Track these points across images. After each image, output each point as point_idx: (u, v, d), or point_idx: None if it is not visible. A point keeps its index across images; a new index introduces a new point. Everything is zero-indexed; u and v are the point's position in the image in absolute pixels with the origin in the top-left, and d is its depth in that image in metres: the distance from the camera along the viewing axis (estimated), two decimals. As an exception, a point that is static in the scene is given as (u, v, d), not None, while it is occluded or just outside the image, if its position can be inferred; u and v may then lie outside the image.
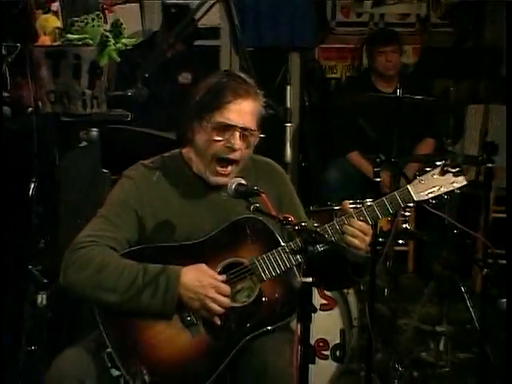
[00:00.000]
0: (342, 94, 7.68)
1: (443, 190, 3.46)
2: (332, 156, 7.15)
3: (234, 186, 3.24)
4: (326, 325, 4.66)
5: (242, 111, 3.40)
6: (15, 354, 4.17)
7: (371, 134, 4.87)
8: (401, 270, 6.55)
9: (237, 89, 3.40)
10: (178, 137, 3.59)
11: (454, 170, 3.46)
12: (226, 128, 3.38)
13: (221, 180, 3.42)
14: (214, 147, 3.39)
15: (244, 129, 3.39)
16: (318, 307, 4.57)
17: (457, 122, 7.49)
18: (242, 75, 3.60)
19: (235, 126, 3.38)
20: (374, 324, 4.68)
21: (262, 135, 3.49)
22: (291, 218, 3.05)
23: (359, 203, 3.64)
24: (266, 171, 3.64)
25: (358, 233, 3.34)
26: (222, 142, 3.38)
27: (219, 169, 3.41)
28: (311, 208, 4.84)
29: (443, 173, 3.46)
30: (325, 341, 4.67)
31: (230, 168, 3.42)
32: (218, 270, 3.35)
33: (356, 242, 3.33)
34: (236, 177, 3.32)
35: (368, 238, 3.38)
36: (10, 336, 4.43)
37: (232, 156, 3.40)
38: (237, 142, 3.38)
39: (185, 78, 6.50)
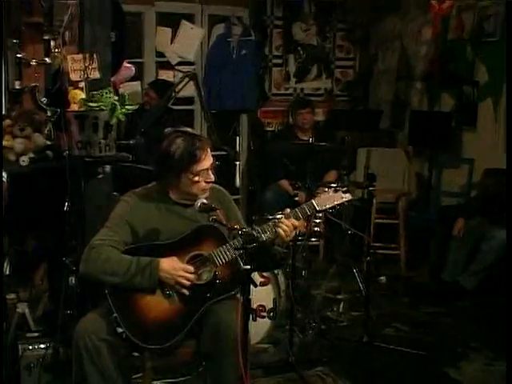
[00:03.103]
0: (275, 141, 7.67)
1: (336, 202, 3.53)
2: (269, 182, 7.14)
3: (199, 204, 3.29)
4: (264, 295, 4.65)
5: (209, 157, 3.45)
6: (57, 316, 4.13)
7: (291, 168, 4.90)
8: (314, 257, 6.55)
9: (203, 147, 3.43)
10: (162, 185, 3.57)
11: (343, 189, 3.54)
12: (203, 171, 3.42)
13: (206, 195, 3.46)
14: (199, 186, 3.44)
15: (211, 166, 3.44)
16: (258, 283, 4.56)
17: (351, 160, 7.53)
18: (196, 132, 3.66)
19: (209, 168, 3.43)
20: (295, 294, 4.71)
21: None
22: (236, 226, 3.11)
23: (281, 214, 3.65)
24: (216, 193, 3.63)
25: (290, 224, 3.39)
26: (202, 181, 3.43)
27: (205, 191, 3.46)
28: (253, 218, 4.83)
29: (336, 191, 3.52)
30: (263, 306, 4.66)
31: (208, 187, 3.48)
32: (187, 258, 3.37)
33: (283, 234, 3.37)
34: (199, 198, 3.34)
35: (293, 233, 3.44)
36: (54, 304, 4.41)
37: (209, 186, 3.47)
38: (212, 177, 3.47)
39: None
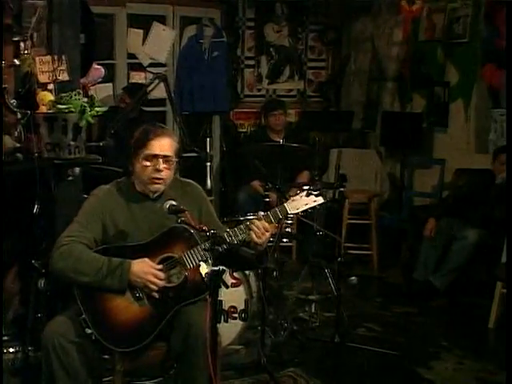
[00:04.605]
0: (247, 143, 7.67)
1: (308, 206, 3.51)
2: (241, 184, 7.15)
3: (168, 206, 3.26)
4: (235, 296, 4.62)
5: (162, 145, 3.44)
6: (26, 320, 4.14)
7: (261, 170, 4.89)
8: (287, 258, 6.56)
9: (155, 130, 3.47)
10: (124, 170, 3.62)
11: (315, 193, 3.52)
12: (153, 157, 3.42)
13: (157, 186, 3.47)
14: (147, 171, 3.43)
15: (164, 156, 3.43)
16: (229, 285, 4.57)
17: (323, 160, 7.55)
18: (160, 124, 3.68)
19: (158, 155, 3.42)
20: (267, 295, 4.69)
21: (177, 160, 3.52)
22: (205, 228, 3.09)
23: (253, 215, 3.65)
24: (189, 189, 3.65)
25: (261, 226, 3.38)
26: (151, 167, 3.42)
27: (154, 180, 3.44)
28: (224, 219, 4.82)
29: (308, 195, 3.51)
30: (234, 307, 4.63)
31: (160, 180, 3.45)
32: (157, 261, 3.35)
33: (254, 237, 3.37)
34: (169, 199, 3.31)
35: (268, 235, 3.42)
36: (24, 308, 4.38)
37: (159, 175, 3.44)
38: (161, 165, 3.42)
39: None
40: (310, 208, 3.55)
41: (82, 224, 3.41)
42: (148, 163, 3.43)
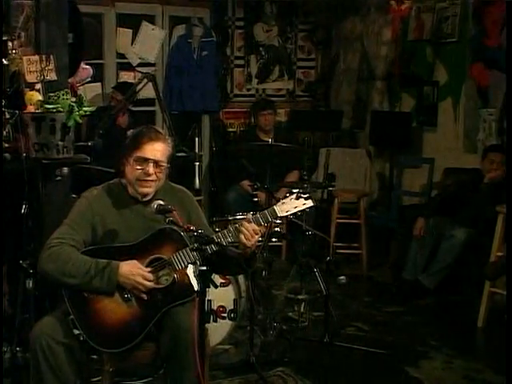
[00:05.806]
0: (237, 142, 7.68)
1: (297, 209, 3.50)
2: (230, 183, 7.15)
3: (155, 206, 3.25)
4: (224, 296, 4.62)
5: (154, 149, 3.42)
6: (14, 321, 4.12)
7: (249, 169, 4.89)
8: (276, 257, 6.54)
9: (150, 134, 3.45)
10: (115, 170, 3.59)
11: (304, 196, 3.51)
12: (144, 160, 3.41)
13: (145, 190, 3.46)
14: (136, 173, 3.42)
15: (155, 161, 3.42)
16: (218, 284, 4.55)
17: (312, 160, 7.55)
18: (156, 127, 3.65)
19: (149, 159, 3.41)
20: (256, 294, 4.70)
21: (169, 165, 3.50)
22: (192, 228, 3.08)
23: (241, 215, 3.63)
24: (180, 195, 3.62)
25: (250, 229, 3.33)
26: (140, 170, 3.41)
27: (142, 183, 3.43)
28: (213, 218, 4.82)
29: (297, 198, 3.50)
30: (223, 307, 4.64)
31: (149, 183, 3.44)
32: (147, 262, 3.34)
33: (243, 239, 3.32)
34: (157, 199, 3.31)
35: (257, 237, 3.38)
36: (11, 308, 4.37)
37: (147, 178, 3.42)
38: (150, 169, 3.41)
39: (131, 133, 6.45)
40: (300, 211, 3.55)
41: (71, 226, 3.39)
42: (138, 166, 3.42)
